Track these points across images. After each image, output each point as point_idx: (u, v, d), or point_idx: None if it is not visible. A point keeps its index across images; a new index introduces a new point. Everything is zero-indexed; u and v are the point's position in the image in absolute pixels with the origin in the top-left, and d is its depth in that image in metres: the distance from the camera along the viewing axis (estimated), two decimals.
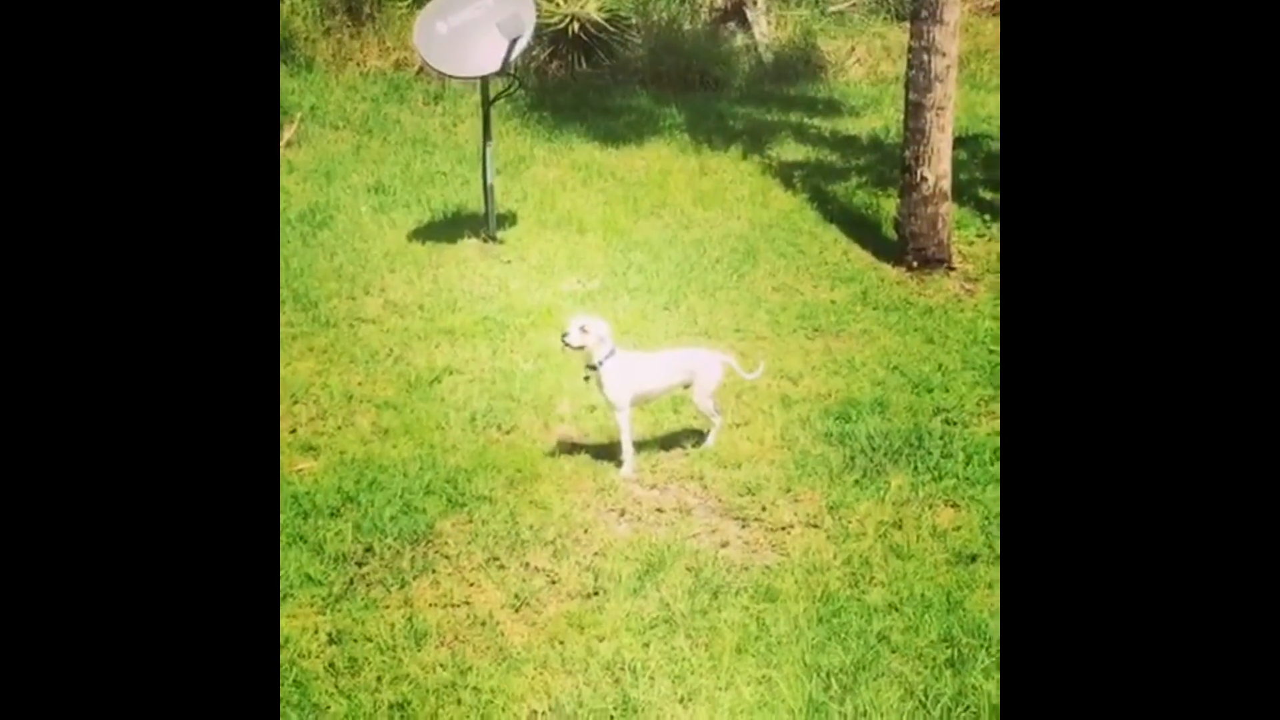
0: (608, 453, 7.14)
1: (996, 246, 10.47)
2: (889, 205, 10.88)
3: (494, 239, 10.48)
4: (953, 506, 6.63)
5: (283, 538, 6.27)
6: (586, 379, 7.03)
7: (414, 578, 6.03)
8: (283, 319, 8.95)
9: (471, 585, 5.98)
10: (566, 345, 6.86)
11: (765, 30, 16.15)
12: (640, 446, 7.12)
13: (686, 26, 16.15)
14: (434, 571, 6.08)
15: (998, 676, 5.23)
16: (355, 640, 5.58)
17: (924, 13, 9.88)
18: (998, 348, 8.52)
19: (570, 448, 7.27)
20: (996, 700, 5.08)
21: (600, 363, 6.86)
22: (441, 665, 5.42)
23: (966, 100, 13.54)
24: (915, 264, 10.09)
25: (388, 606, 5.83)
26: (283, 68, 14.72)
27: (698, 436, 7.33)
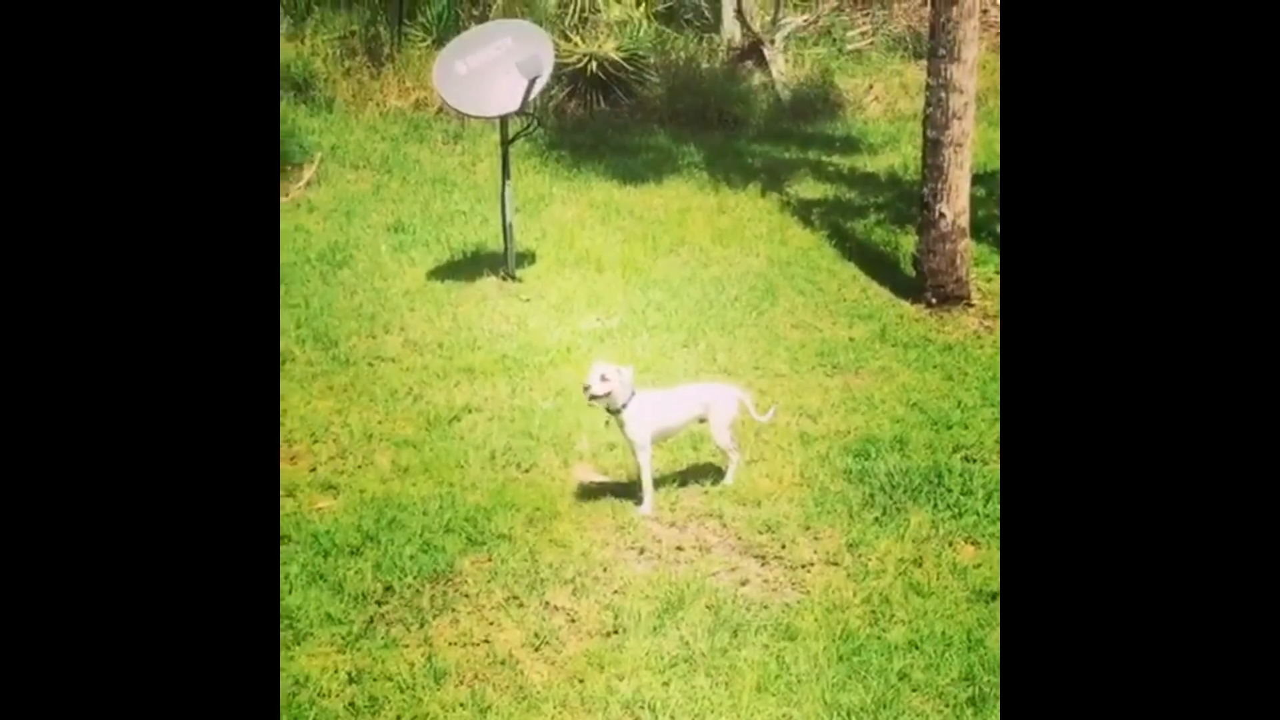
0: (627, 490, 7.14)
1: None
2: (907, 242, 10.89)
3: (513, 277, 10.51)
4: (973, 544, 6.61)
5: (302, 576, 6.28)
6: (607, 423, 7.04)
7: (434, 616, 6.03)
8: (302, 357, 8.99)
9: (491, 624, 5.98)
10: (591, 398, 6.85)
11: (783, 68, 16.21)
12: (659, 483, 7.12)
13: (704, 65, 16.22)
14: (454, 610, 6.08)
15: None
16: (375, 679, 5.58)
17: (942, 50, 9.91)
18: None
19: (589, 486, 7.27)
20: None
21: (623, 406, 6.87)
22: (461, 704, 5.42)
23: (984, 137, 13.54)
24: (934, 301, 10.09)
25: (407, 645, 5.83)
26: (303, 108, 14.83)
27: (716, 473, 7.33)
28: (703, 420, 7.21)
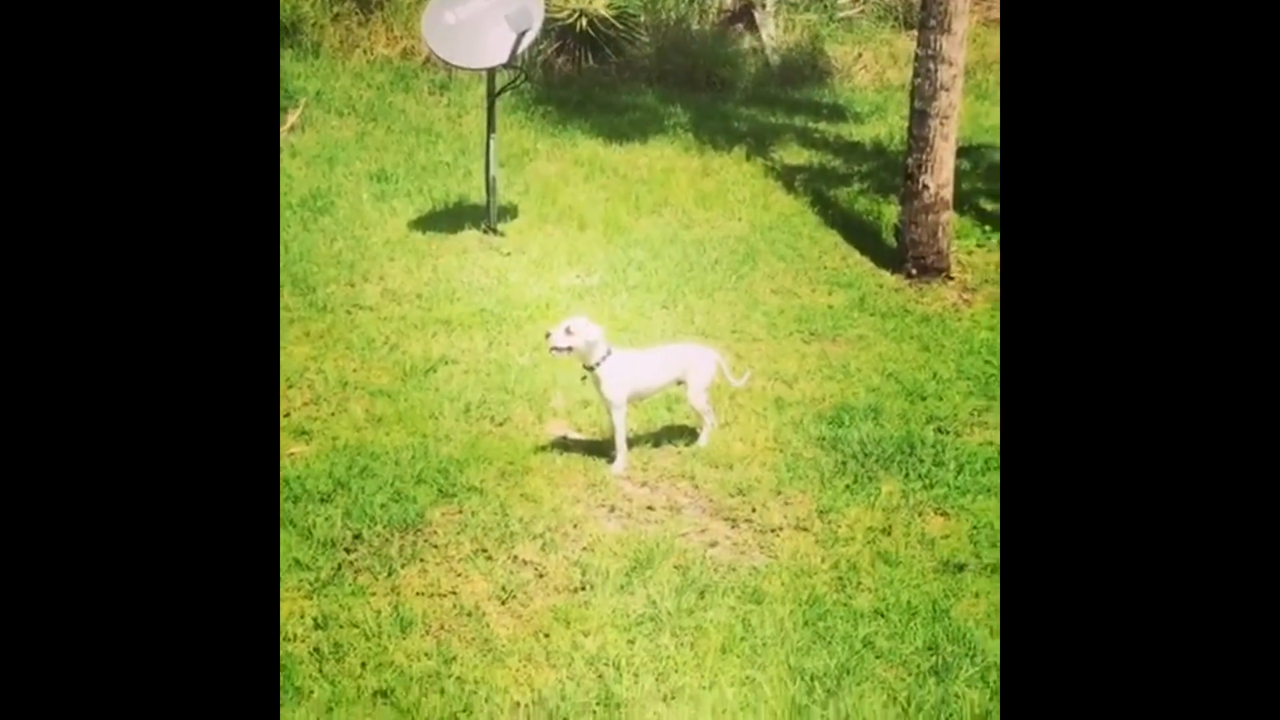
0: (600, 448, 7.15)
1: (996, 257, 10.48)
2: (890, 212, 10.89)
3: (494, 231, 10.48)
4: (942, 515, 6.64)
5: None
6: (584, 379, 7.03)
7: (402, 566, 6.04)
8: (280, 303, 8.95)
9: (459, 576, 5.99)
10: (552, 349, 6.85)
11: (773, 33, 16.14)
12: (632, 444, 7.12)
13: (694, 27, 16.13)
14: (422, 560, 6.09)
15: (981, 686, 5.25)
16: (341, 626, 5.59)
17: (932, 22, 9.88)
18: (994, 358, 8.53)
19: (562, 442, 7.28)
20: (979, 710, 5.09)
21: (597, 364, 6.86)
22: (426, 654, 5.43)
23: (971, 110, 13.54)
24: (914, 272, 10.09)
25: (375, 594, 5.83)
26: (289, 52, 14.71)
27: (690, 435, 7.34)
28: (680, 382, 7.20)
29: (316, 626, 5.59)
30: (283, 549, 6.05)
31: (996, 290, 9.86)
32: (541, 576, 6.00)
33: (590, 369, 6.89)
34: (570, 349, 6.78)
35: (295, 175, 11.65)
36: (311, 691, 5.18)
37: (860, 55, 16.20)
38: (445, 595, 5.85)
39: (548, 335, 6.79)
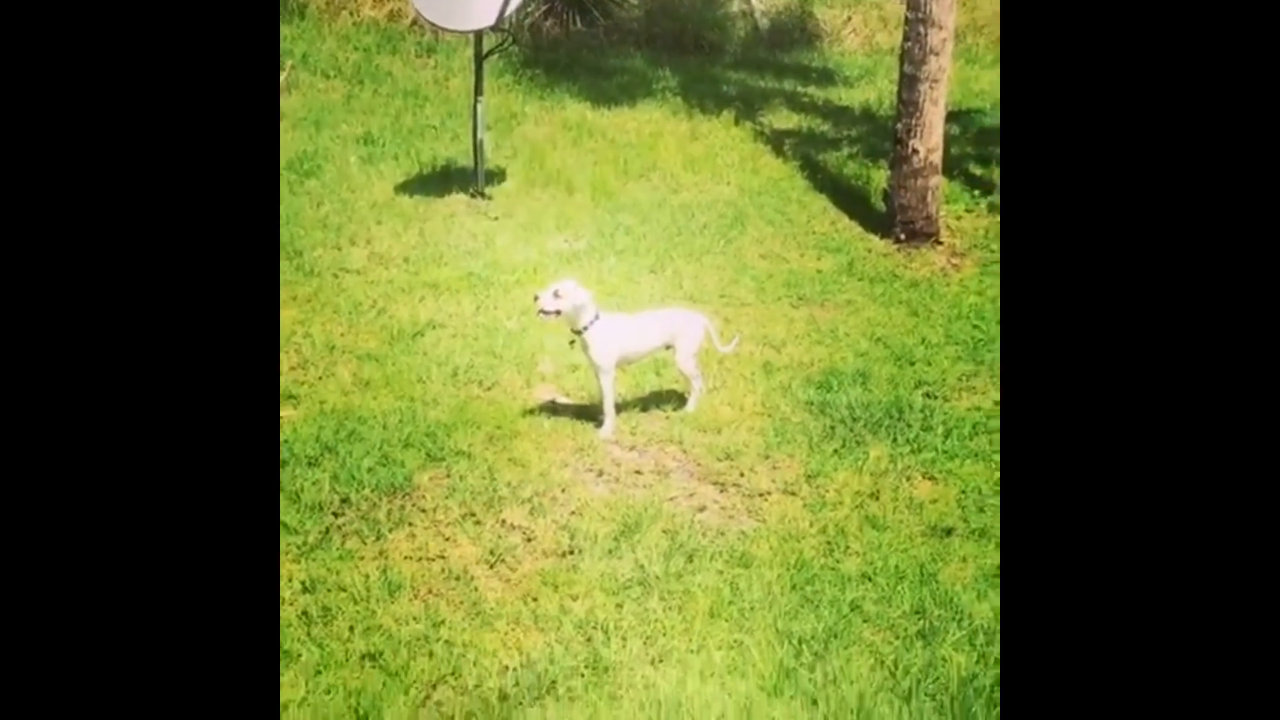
0: (588, 413, 7.14)
1: (984, 222, 10.48)
2: (879, 177, 10.88)
3: (482, 195, 10.44)
4: (930, 480, 6.65)
5: None
6: (572, 343, 7.01)
7: (390, 530, 6.03)
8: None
9: (447, 540, 5.99)
10: (541, 313, 6.81)
11: None
12: (620, 408, 7.12)
13: None
14: (410, 524, 6.09)
15: (968, 649, 5.27)
16: (329, 590, 5.59)
17: None
18: (981, 323, 8.54)
19: (551, 407, 7.27)
20: (965, 673, 5.11)
21: (585, 328, 6.84)
22: (415, 618, 5.43)
23: (960, 75, 13.50)
24: (903, 236, 10.08)
25: (363, 557, 5.83)
26: None
27: (679, 400, 7.33)
28: (668, 347, 7.19)
29: (305, 590, 5.59)
30: None
31: (985, 255, 9.86)
32: (529, 540, 6.01)
33: (578, 333, 6.87)
34: (558, 312, 6.76)
35: (282, 138, 11.57)
36: (300, 655, 5.18)
37: (850, 19, 16.15)
38: (433, 559, 5.85)
39: (536, 298, 6.77)
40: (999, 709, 4.84)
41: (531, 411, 7.18)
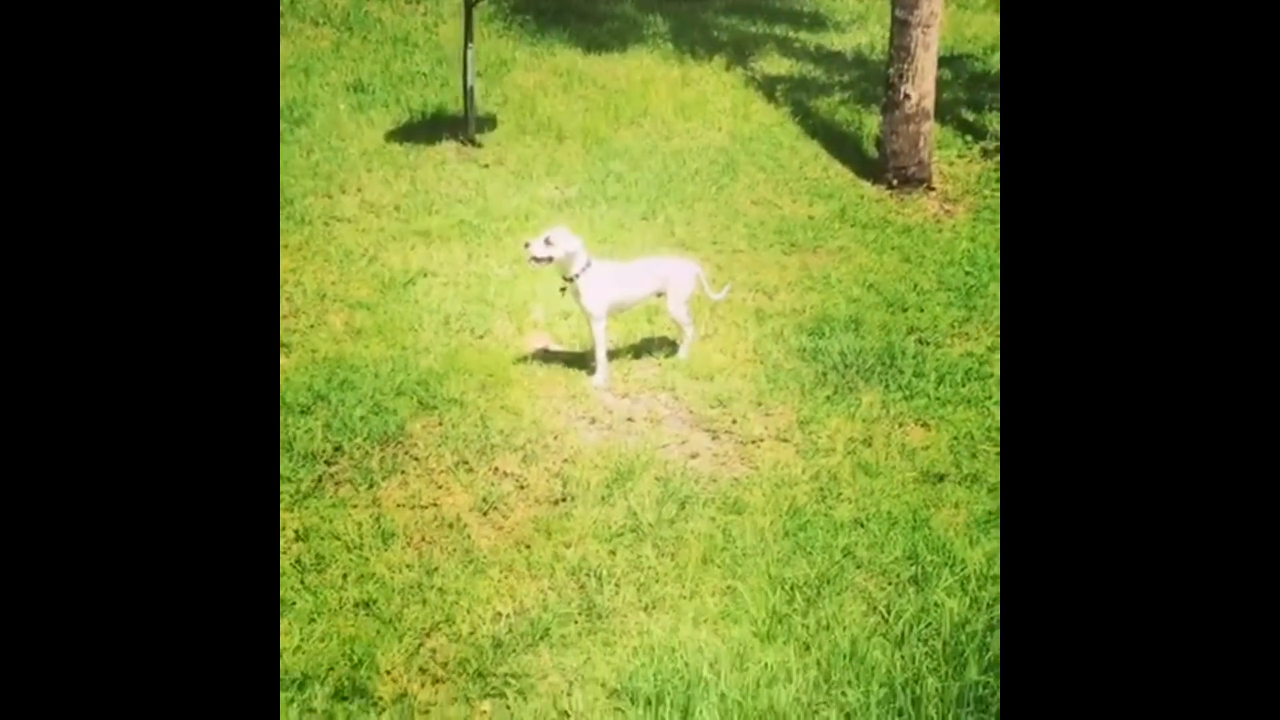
0: (580, 360, 7.14)
1: (977, 168, 10.45)
2: (871, 122, 10.84)
3: (473, 142, 10.40)
4: (923, 426, 6.65)
5: None
6: (563, 290, 6.99)
7: (383, 478, 6.03)
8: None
9: (440, 488, 5.99)
10: (532, 259, 6.77)
11: None
12: (612, 355, 7.11)
13: None
14: (403, 472, 6.09)
15: (960, 595, 5.28)
16: (322, 538, 5.59)
17: None
18: (974, 269, 8.54)
19: (543, 354, 7.26)
20: (958, 618, 5.12)
21: (577, 275, 6.82)
22: (408, 565, 5.44)
23: (953, 20, 13.44)
24: (895, 182, 10.07)
25: (356, 506, 5.84)
26: None
27: (670, 347, 7.33)
28: (660, 294, 7.18)
29: (298, 538, 5.59)
30: None
31: (978, 201, 9.85)
32: (522, 488, 6.01)
33: (570, 280, 6.85)
34: (550, 259, 6.74)
35: None
36: (294, 603, 5.19)
37: None
38: (426, 507, 5.85)
39: (527, 245, 6.74)
40: (991, 654, 4.89)
41: (524, 359, 7.17)
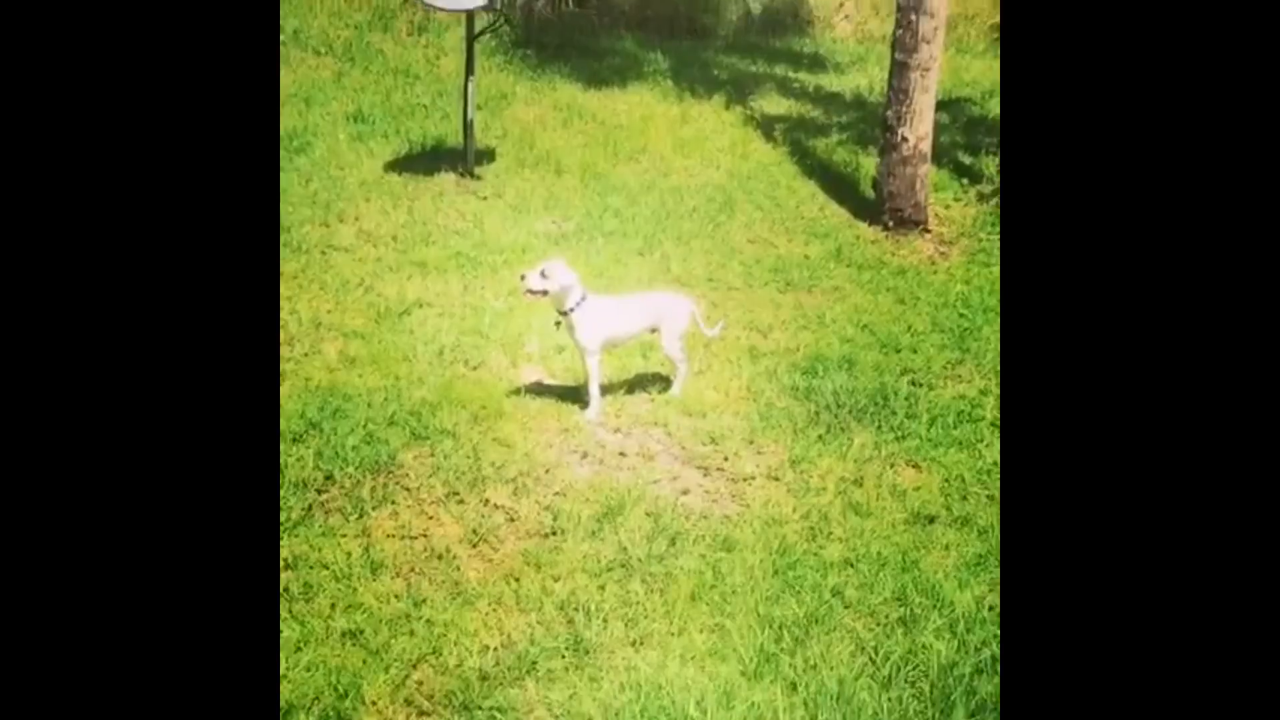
0: (573, 394, 7.14)
1: (973, 210, 10.49)
2: (868, 164, 10.89)
3: (471, 174, 10.43)
4: (914, 467, 6.66)
5: None
6: (558, 324, 6.99)
7: (373, 508, 6.03)
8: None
9: (430, 518, 5.98)
10: (527, 292, 6.77)
11: None
12: (606, 390, 7.12)
13: None
14: (393, 503, 6.08)
15: (949, 637, 5.28)
16: (311, 566, 5.58)
17: None
18: (968, 311, 8.56)
19: (536, 387, 7.26)
20: (946, 660, 5.12)
21: (571, 309, 6.83)
22: (396, 596, 5.43)
23: (951, 64, 13.51)
24: (891, 224, 10.10)
25: (345, 535, 5.83)
26: None
27: (664, 383, 7.34)
28: (654, 330, 7.18)
29: (287, 566, 5.58)
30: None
31: (973, 244, 9.89)
32: (513, 521, 6.01)
33: (564, 314, 6.86)
34: (545, 292, 6.74)
35: None
36: (281, 631, 5.17)
37: (842, 5, 16.17)
38: (416, 538, 5.84)
39: (523, 277, 6.75)
40: (978, 697, 4.89)
41: (517, 392, 7.17)
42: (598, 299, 6.98)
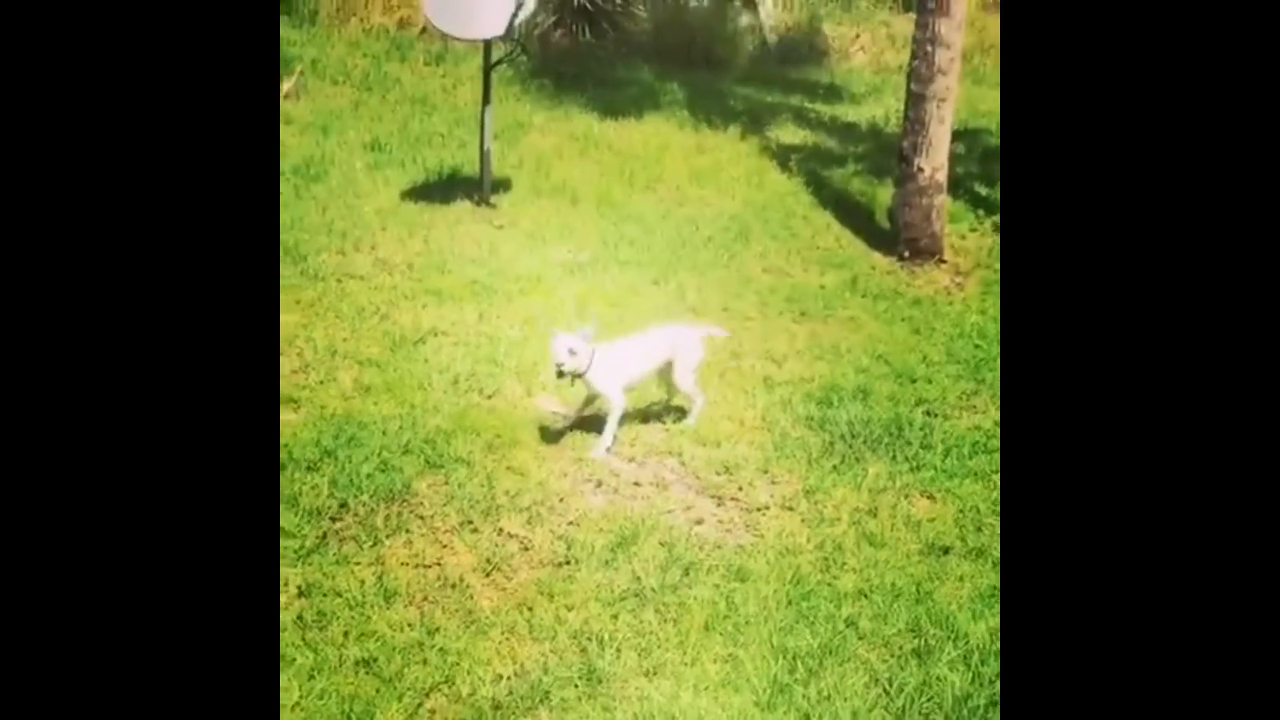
0: (589, 423, 7.13)
1: (988, 241, 10.49)
2: (884, 194, 10.90)
3: (487, 203, 10.46)
4: (929, 498, 6.65)
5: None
6: (572, 383, 6.96)
7: (387, 536, 6.03)
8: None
9: (444, 547, 5.98)
10: (561, 374, 6.76)
11: (771, 12, 16.14)
12: (621, 419, 7.12)
13: (692, 4, 16.12)
14: (408, 531, 6.08)
15: (963, 669, 5.26)
16: (325, 595, 5.58)
17: (930, 4, 9.88)
18: (983, 342, 8.55)
19: (551, 416, 7.26)
20: (960, 693, 5.10)
21: (586, 370, 6.82)
22: (410, 624, 5.42)
23: (967, 94, 13.53)
24: (907, 254, 10.11)
25: (359, 563, 5.83)
26: (286, 19, 14.68)
27: (678, 412, 7.33)
28: (669, 363, 7.17)
29: (300, 594, 5.58)
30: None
31: (988, 274, 9.88)
32: (526, 550, 6.00)
33: (579, 377, 6.83)
34: (576, 370, 6.73)
35: (289, 143, 11.61)
36: (294, 659, 5.17)
37: (858, 36, 16.22)
38: (430, 566, 5.84)
39: (559, 365, 6.70)
40: None
41: (531, 421, 7.17)
42: (607, 347, 6.93)
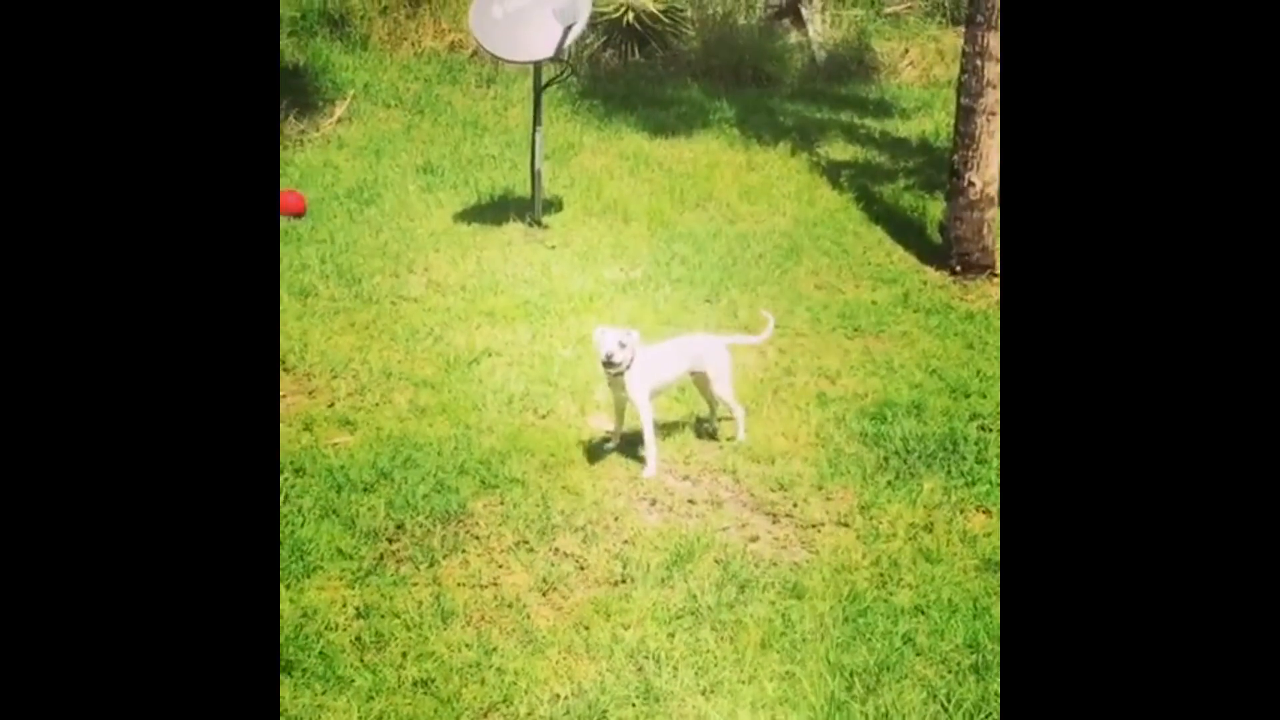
0: (630, 448, 7.13)
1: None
2: (935, 209, 10.86)
3: (539, 224, 10.52)
4: (984, 513, 6.62)
5: (315, 510, 6.32)
6: (610, 382, 6.98)
7: (444, 557, 6.06)
8: (325, 293, 9.04)
9: (500, 567, 6.01)
10: (611, 365, 6.78)
11: (820, 29, 16.14)
12: (672, 434, 7.12)
13: (741, 21, 16.15)
14: (464, 551, 6.11)
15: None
16: (383, 616, 5.62)
17: (979, 18, 9.86)
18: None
19: (605, 435, 7.28)
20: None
21: (629, 368, 6.87)
22: (467, 645, 5.45)
23: None
24: (959, 269, 10.07)
25: (416, 584, 5.86)
26: (337, 45, 14.84)
27: (729, 427, 7.33)
28: (693, 373, 7.18)
29: (358, 616, 5.62)
30: (325, 538, 6.09)
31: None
32: (582, 569, 6.02)
33: (620, 373, 6.86)
34: (625, 362, 6.76)
35: (342, 167, 11.73)
36: (353, 680, 5.20)
37: (907, 51, 16.19)
38: (486, 586, 5.87)
39: (609, 356, 6.74)
40: None
41: (586, 440, 7.19)
42: (640, 350, 6.97)
